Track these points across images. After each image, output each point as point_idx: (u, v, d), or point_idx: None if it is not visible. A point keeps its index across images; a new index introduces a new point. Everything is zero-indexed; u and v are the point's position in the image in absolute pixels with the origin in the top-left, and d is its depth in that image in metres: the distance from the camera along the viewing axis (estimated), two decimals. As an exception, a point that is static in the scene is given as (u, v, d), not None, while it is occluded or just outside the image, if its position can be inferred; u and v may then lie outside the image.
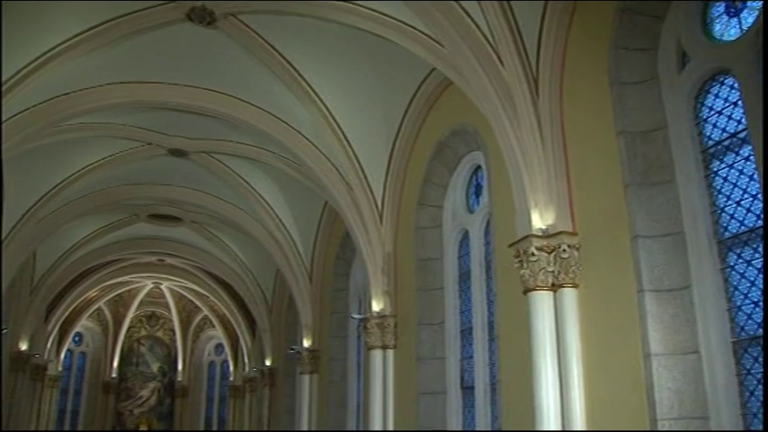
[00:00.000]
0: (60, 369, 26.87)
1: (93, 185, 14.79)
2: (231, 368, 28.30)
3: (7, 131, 10.55)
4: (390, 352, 11.08)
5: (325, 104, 10.89)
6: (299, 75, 10.50)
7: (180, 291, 28.23)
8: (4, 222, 14.02)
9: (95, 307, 27.73)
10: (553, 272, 6.88)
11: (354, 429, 13.98)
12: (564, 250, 6.79)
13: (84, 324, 28.14)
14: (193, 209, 17.37)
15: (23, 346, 18.96)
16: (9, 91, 9.85)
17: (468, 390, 9.76)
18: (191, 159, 14.13)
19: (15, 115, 10.50)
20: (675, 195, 6.01)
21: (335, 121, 11.06)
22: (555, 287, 6.89)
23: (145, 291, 28.80)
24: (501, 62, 7.47)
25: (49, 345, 23.35)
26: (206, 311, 28.30)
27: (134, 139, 13.47)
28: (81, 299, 24.43)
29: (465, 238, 10.25)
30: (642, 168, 6.16)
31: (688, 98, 6.09)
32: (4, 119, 10.31)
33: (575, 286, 6.76)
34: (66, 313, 23.93)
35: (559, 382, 6.68)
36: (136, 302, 29.48)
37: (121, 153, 13.92)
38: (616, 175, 6.28)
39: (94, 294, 26.12)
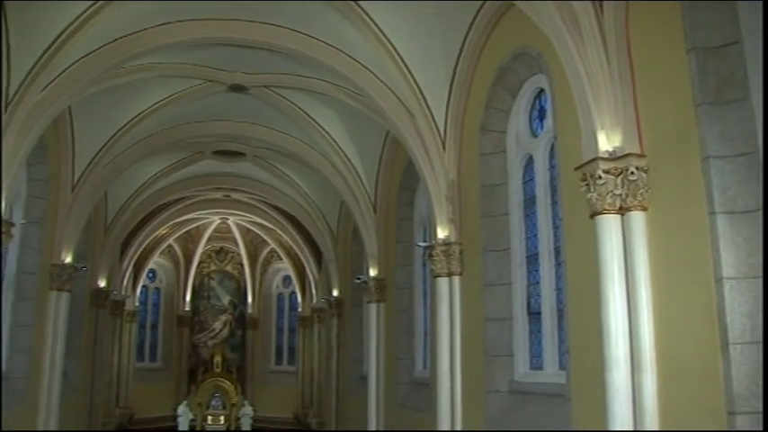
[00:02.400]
0: (137, 304, 27.82)
1: (156, 125, 15.04)
2: (299, 299, 28.86)
3: (70, 78, 10.75)
4: (456, 279, 11.13)
5: (383, 32, 10.70)
6: (356, 3, 10.35)
7: (246, 225, 28.68)
8: (77, 165, 14.46)
9: (166, 244, 28.43)
10: (621, 195, 6.75)
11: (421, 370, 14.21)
12: (632, 173, 6.63)
13: (156, 261, 28.94)
14: (256, 143, 17.52)
15: (102, 283, 19.65)
16: (69, 38, 10.01)
17: (534, 315, 9.78)
18: (251, 94, 14.20)
19: (76, 61, 10.65)
20: (750, 114, 5.77)
21: (394, 48, 10.89)
22: (623, 210, 6.77)
23: (212, 226, 29.35)
24: (563, -20, 7.22)
25: (125, 281, 24.13)
26: (273, 245, 28.75)
27: (194, 77, 13.58)
28: (152, 236, 25.06)
29: (529, 163, 10.12)
30: (714, 86, 5.92)
31: (765, 9, 5.79)
32: (66, 66, 10.52)
33: (643, 209, 6.64)
34: (139, 251, 24.61)
35: (627, 306, 6.63)
36: (204, 238, 30.12)
37: (182, 92, 14.07)
38: (686, 93, 6.06)
39: (165, 232, 26.76)
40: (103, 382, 20.83)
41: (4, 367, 12.74)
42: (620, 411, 6.49)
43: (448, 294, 11.18)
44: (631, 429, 6.41)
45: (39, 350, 13.91)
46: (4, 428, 10.68)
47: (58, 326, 14.58)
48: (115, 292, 21.86)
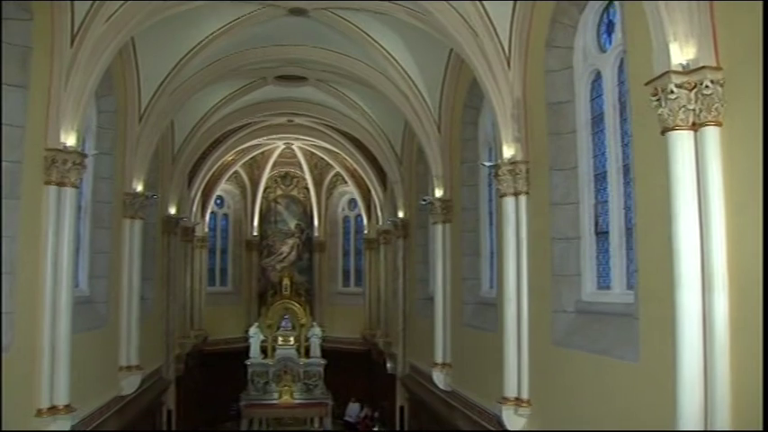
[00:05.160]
0: (206, 230, 28.45)
1: (218, 53, 15.07)
2: (365, 221, 29.10)
3: (132, 9, 10.84)
4: (523, 198, 11.01)
5: (443, -52, 10.44)
6: None
7: (311, 149, 28.86)
8: (143, 96, 14.66)
9: (232, 170, 28.84)
10: (694, 110, 6.47)
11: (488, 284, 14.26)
12: (706, 86, 6.33)
13: (223, 187, 29.45)
14: (318, 67, 17.45)
15: (172, 211, 20.12)
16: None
17: (602, 235, 9.66)
18: (311, 17, 14.04)
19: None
20: (836, 19, 5.45)
21: (456, -35, 10.60)
22: (696, 126, 6.50)
23: (277, 152, 29.62)
24: None
25: (194, 208, 24.67)
26: (337, 168, 28.90)
27: (253, 2, 13.48)
28: (218, 164, 25.40)
29: (597, 79, 9.82)
30: (797, -9, 5.58)
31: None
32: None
33: (718, 125, 6.36)
34: (207, 178, 25.02)
35: (699, 226, 6.43)
36: (270, 164, 30.46)
37: (242, 18, 13.99)
38: (766, -1, 5.72)
39: (230, 158, 27.10)
40: (178, 305, 21.53)
41: (87, 292, 13.33)
42: (690, 332, 6.40)
43: (514, 214, 11.10)
44: (700, 351, 6.32)
45: (117, 275, 14.45)
46: (77, 352, 11.19)
47: (134, 252, 15.09)
48: (185, 219, 22.36)
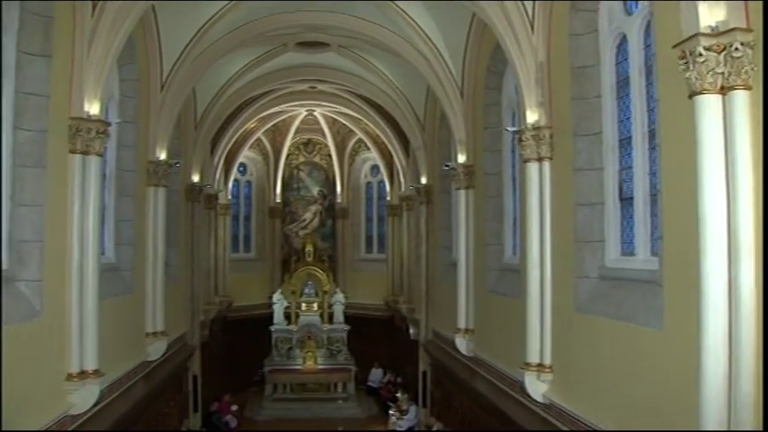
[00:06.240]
0: (230, 198, 28.53)
1: (239, 20, 15.01)
2: (387, 188, 29.04)
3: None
4: (546, 164, 10.92)
5: None
6: None
7: (333, 116, 28.74)
8: (165, 64, 14.65)
9: (255, 138, 28.76)
10: (723, 73, 6.33)
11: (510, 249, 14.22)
12: (736, 49, 6.18)
13: (245, 155, 29.40)
14: (340, 33, 17.32)
15: (195, 178, 20.17)
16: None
17: (626, 201, 9.59)
18: (332, -18, 13.95)
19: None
20: None
21: (478, -73, 10.42)
22: (724, 90, 6.36)
23: (299, 118, 29.51)
24: None
25: (217, 176, 24.75)
26: (360, 134, 28.77)
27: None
28: (241, 131, 25.39)
29: (623, 43, 9.66)
30: (830, -52, 5.43)
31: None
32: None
33: (747, 88, 6.21)
34: (229, 145, 25.00)
35: (727, 192, 6.32)
36: (292, 130, 30.37)
37: (263, -17, 13.93)
38: (799, -42, 5.57)
39: (253, 126, 27.06)
40: (202, 272, 21.69)
41: (113, 259, 13.49)
42: (715, 300, 6.33)
43: (538, 180, 11.03)
44: (725, 318, 6.26)
45: (142, 243, 14.59)
46: (105, 319, 11.33)
47: (158, 220, 15.20)
48: (208, 186, 22.45)
